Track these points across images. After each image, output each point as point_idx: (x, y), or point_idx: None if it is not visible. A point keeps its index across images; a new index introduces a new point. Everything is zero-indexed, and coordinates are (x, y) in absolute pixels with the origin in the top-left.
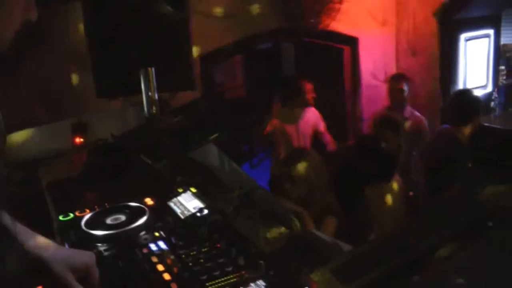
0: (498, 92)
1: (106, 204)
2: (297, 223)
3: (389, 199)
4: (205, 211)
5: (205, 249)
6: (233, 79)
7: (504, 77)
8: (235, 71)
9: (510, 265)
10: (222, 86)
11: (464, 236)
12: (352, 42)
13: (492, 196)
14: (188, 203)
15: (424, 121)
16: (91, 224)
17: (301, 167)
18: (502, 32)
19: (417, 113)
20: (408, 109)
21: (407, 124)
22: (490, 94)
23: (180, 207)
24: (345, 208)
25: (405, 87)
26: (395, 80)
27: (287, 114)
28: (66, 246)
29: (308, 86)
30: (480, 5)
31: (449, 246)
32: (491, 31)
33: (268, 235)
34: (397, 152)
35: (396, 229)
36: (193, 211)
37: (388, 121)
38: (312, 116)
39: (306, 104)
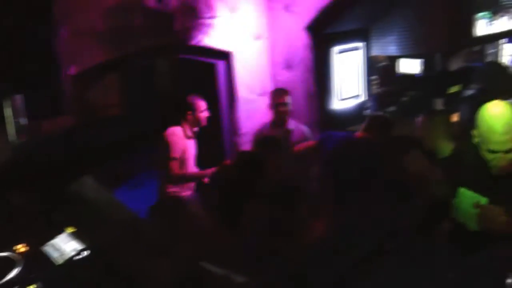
0: (371, 101)
1: None
2: (186, 253)
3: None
4: (85, 253)
5: None
6: (110, 98)
7: (376, 87)
8: (111, 89)
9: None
10: (98, 105)
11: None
12: (226, 56)
13: None
14: (65, 245)
15: (309, 132)
16: None
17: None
18: (372, 44)
19: (302, 125)
20: (292, 122)
21: (292, 136)
22: (364, 103)
23: (57, 251)
24: (228, 227)
25: (288, 100)
26: (278, 94)
27: (186, 132)
28: None
29: (200, 104)
30: (350, 19)
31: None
32: (361, 44)
33: (155, 272)
34: (279, 170)
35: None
36: (72, 254)
37: (266, 141)
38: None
39: (199, 123)
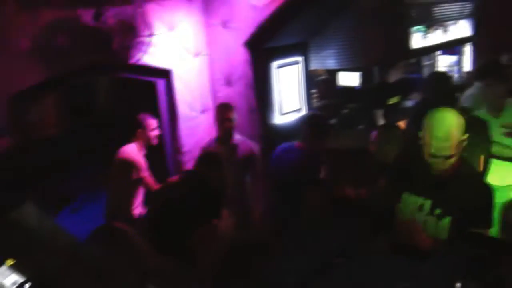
0: None
1: None
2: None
3: (217, 236)
4: (26, 286)
5: None
6: (48, 118)
7: (316, 100)
8: (49, 109)
9: None
10: (37, 126)
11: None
12: (165, 74)
13: None
14: (5, 279)
15: (255, 147)
16: None
17: None
18: (311, 58)
19: (247, 140)
20: (238, 137)
21: (238, 151)
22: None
23: None
24: (168, 250)
25: (233, 116)
26: (223, 110)
27: (139, 151)
28: None
29: (151, 122)
30: (289, 33)
31: None
32: (301, 58)
33: None
34: (222, 188)
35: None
36: None
37: (209, 158)
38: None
39: (149, 141)
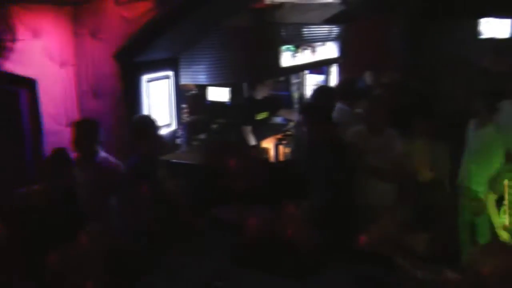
0: (182, 129)
1: None
2: None
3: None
4: None
5: None
6: None
7: (186, 115)
8: None
9: None
10: None
11: None
12: (29, 84)
13: None
14: None
15: (119, 164)
16: None
17: None
18: (182, 73)
19: (111, 157)
20: (103, 154)
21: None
22: (175, 131)
23: None
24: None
25: (96, 133)
26: (82, 126)
27: None
28: None
29: None
30: (159, 48)
31: None
32: (171, 73)
33: None
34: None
35: None
36: None
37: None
38: None
39: None
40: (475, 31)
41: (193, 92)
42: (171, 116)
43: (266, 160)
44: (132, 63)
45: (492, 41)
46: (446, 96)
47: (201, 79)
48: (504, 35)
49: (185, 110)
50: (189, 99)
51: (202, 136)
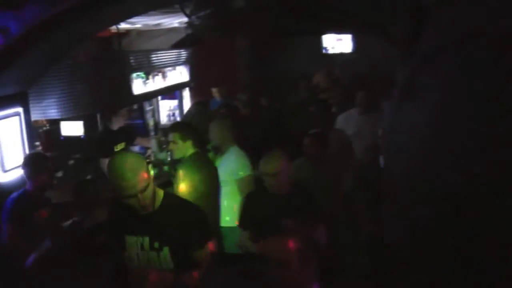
0: None
1: None
2: None
3: None
4: None
5: None
6: None
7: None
8: None
9: None
10: None
11: None
12: None
13: None
14: None
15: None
16: None
17: None
18: (31, 108)
19: None
20: None
21: None
22: None
23: None
24: None
25: None
26: None
27: None
28: None
29: None
30: (5, 83)
31: None
32: (21, 109)
33: None
34: None
35: None
36: None
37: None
38: None
39: None
40: (319, 47)
41: (46, 127)
42: (24, 155)
43: None
44: None
45: (336, 56)
46: (292, 112)
47: (53, 113)
48: (347, 50)
49: (39, 148)
50: (41, 136)
51: (58, 174)
